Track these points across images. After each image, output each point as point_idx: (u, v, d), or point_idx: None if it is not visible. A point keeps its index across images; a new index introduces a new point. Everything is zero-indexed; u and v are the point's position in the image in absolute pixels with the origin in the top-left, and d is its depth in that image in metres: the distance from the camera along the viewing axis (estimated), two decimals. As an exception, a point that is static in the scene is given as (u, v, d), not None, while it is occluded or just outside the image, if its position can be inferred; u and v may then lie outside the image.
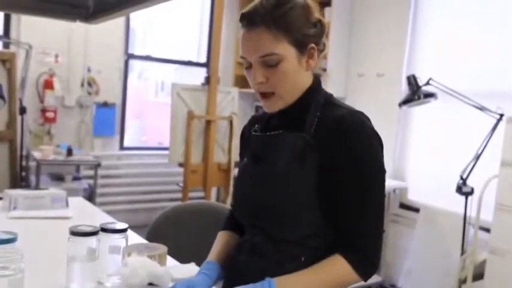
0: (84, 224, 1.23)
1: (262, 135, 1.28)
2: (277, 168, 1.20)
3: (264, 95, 1.20)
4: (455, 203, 3.30)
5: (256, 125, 1.33)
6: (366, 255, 1.15)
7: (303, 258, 1.18)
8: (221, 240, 1.38)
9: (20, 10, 2.54)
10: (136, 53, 5.17)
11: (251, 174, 1.28)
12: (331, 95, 1.27)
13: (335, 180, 1.15)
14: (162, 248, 1.38)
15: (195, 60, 5.52)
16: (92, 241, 1.19)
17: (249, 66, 1.20)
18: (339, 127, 1.15)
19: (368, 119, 1.19)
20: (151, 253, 1.31)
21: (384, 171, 1.18)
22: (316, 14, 1.21)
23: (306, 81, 1.24)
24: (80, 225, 1.22)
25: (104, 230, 1.26)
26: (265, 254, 1.23)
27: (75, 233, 1.18)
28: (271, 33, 1.13)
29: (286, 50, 1.15)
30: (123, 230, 1.28)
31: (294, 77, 1.18)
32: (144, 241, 1.65)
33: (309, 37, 1.18)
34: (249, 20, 1.16)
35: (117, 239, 1.27)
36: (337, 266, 1.13)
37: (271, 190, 1.20)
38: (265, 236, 1.23)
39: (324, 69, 1.36)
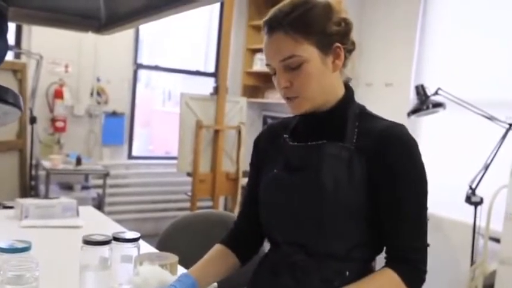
0: (95, 233, 1.24)
1: (303, 145, 1.21)
2: (323, 180, 1.14)
3: (289, 98, 1.17)
4: (465, 213, 3.29)
5: (285, 135, 1.26)
6: (417, 269, 1.14)
7: (347, 273, 1.15)
8: (210, 254, 1.33)
9: (31, 21, 2.56)
10: (144, 62, 5.21)
11: (288, 186, 1.20)
12: (364, 106, 1.24)
13: (388, 193, 1.13)
14: (173, 257, 1.38)
15: (203, 69, 5.55)
16: (104, 250, 1.20)
17: (275, 73, 1.18)
18: (388, 139, 1.13)
19: (408, 130, 1.17)
20: (162, 262, 1.31)
21: (427, 185, 1.18)
22: (340, 13, 1.18)
23: (336, 85, 1.20)
24: (93, 234, 1.22)
25: (116, 239, 1.26)
26: (308, 273, 1.17)
27: (88, 242, 1.19)
28: (290, 36, 1.12)
29: (308, 52, 1.12)
30: (135, 239, 1.29)
31: (319, 78, 1.15)
32: (154, 250, 1.65)
33: (332, 36, 1.15)
34: (269, 26, 1.15)
35: (129, 248, 1.27)
36: (387, 280, 1.12)
37: (316, 202, 1.15)
38: (306, 252, 1.18)
39: (350, 79, 1.30)
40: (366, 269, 1.17)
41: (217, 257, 1.32)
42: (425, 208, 1.17)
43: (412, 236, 1.15)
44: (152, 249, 1.67)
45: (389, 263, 1.14)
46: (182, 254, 1.45)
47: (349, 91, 1.23)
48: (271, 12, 1.16)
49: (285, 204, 1.20)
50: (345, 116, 1.19)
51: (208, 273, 1.27)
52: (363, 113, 1.21)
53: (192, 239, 1.84)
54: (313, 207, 1.15)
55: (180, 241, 1.81)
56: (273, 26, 1.14)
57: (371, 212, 1.14)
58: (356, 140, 1.16)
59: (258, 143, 1.37)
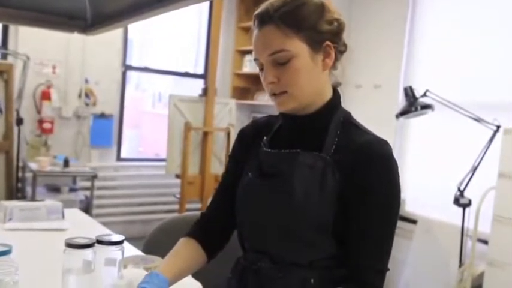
0: (80, 236, 1.22)
1: (276, 152, 1.18)
2: (293, 188, 1.11)
3: (276, 94, 1.13)
4: (453, 215, 3.30)
5: (265, 138, 1.24)
6: None
7: (312, 280, 1.12)
8: (177, 249, 1.26)
9: (18, 21, 2.54)
10: (134, 64, 5.19)
11: (258, 192, 1.19)
12: (349, 113, 1.21)
13: (356, 211, 1.10)
14: (158, 260, 1.37)
15: (192, 71, 5.54)
16: (87, 253, 1.17)
17: (262, 68, 1.14)
18: (367, 156, 1.09)
19: (391, 148, 1.13)
20: (147, 265, 1.30)
21: (398, 210, 1.14)
22: (333, 13, 1.14)
23: (324, 86, 1.17)
24: (76, 237, 1.20)
25: (100, 242, 1.24)
26: (273, 280, 1.15)
27: (70, 245, 1.16)
28: (280, 30, 1.08)
29: (298, 47, 1.09)
30: (119, 242, 1.27)
31: (308, 75, 1.11)
32: (141, 253, 1.63)
33: (323, 34, 1.11)
34: (259, 19, 1.12)
35: (113, 251, 1.25)
36: None
37: (283, 210, 1.12)
38: (270, 260, 1.16)
39: (339, 83, 1.26)
40: (333, 277, 1.13)
41: (184, 251, 1.26)
42: (391, 232, 1.13)
43: (373, 257, 1.11)
44: (139, 252, 1.65)
45: (345, 284, 1.10)
46: (168, 256, 1.43)
47: (336, 95, 1.20)
48: (263, 6, 1.13)
49: (253, 210, 1.19)
50: (327, 123, 1.16)
51: (176, 268, 1.19)
52: (347, 122, 1.18)
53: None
54: (280, 214, 1.13)
55: (166, 244, 1.78)
56: (264, 19, 1.10)
57: (340, 227, 1.10)
58: (334, 151, 1.12)
59: (242, 137, 1.33)
